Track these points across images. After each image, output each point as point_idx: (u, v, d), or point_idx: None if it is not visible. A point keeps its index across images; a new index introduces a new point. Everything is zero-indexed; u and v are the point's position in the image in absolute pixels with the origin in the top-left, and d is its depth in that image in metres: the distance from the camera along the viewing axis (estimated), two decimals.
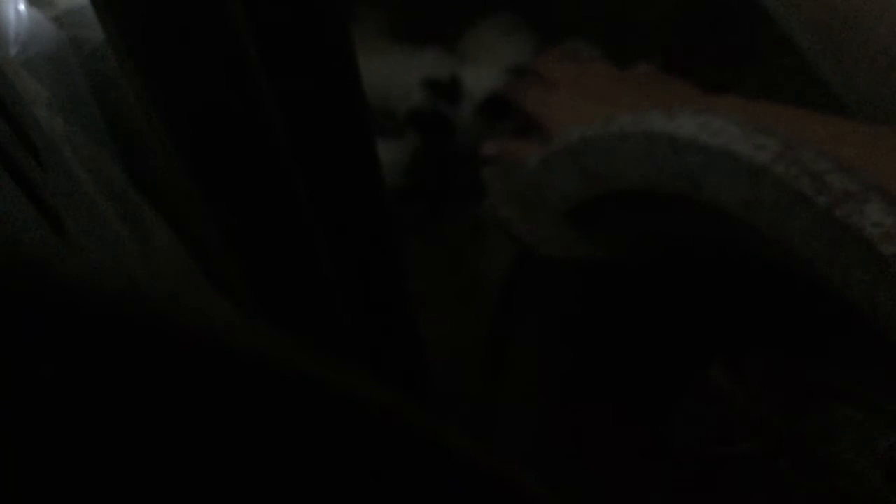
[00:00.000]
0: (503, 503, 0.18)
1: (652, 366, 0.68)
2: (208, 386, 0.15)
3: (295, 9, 0.39)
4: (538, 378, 0.75)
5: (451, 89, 1.01)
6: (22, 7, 0.45)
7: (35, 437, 0.13)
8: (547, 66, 0.86)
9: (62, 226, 0.31)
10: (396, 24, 1.10)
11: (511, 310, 0.75)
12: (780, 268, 0.54)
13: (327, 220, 0.45)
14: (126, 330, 0.14)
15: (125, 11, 0.34)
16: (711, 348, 0.67)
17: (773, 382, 0.65)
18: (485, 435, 0.74)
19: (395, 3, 1.11)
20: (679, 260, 0.65)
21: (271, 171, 0.41)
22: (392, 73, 1.04)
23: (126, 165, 0.43)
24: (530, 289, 0.74)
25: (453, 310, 0.89)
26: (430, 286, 0.90)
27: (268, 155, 0.40)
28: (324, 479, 0.15)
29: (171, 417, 0.14)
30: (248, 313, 0.44)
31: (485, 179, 0.72)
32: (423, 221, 1.00)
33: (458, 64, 1.05)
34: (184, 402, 0.14)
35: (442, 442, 0.17)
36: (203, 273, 0.44)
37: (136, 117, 0.44)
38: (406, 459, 0.16)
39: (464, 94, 1.01)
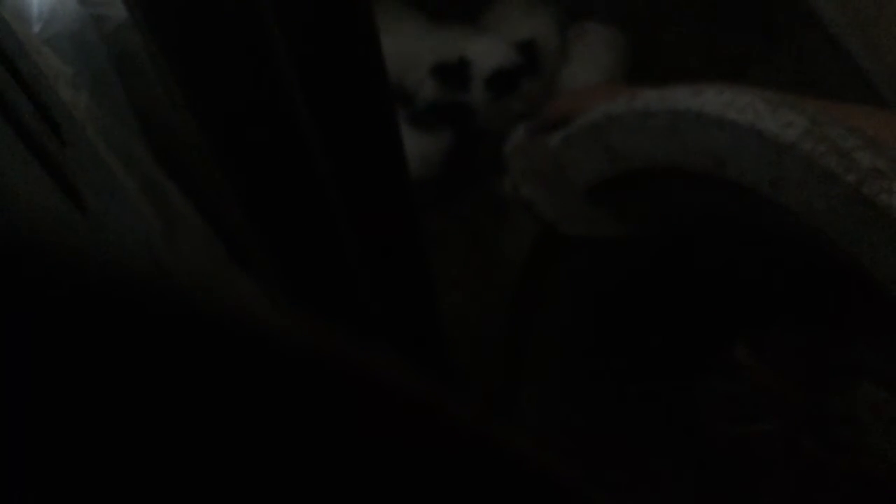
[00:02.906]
0: (531, 486, 0.18)
1: (675, 343, 0.67)
2: (232, 370, 0.14)
3: None
4: (559, 355, 0.75)
5: (461, 72, 1.01)
6: None
7: (57, 414, 0.13)
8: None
9: (83, 202, 0.31)
10: None
11: (532, 287, 0.75)
12: (805, 245, 0.53)
13: (350, 199, 0.45)
14: (146, 313, 0.14)
15: None
16: (735, 326, 0.67)
17: (797, 360, 0.64)
18: (506, 411, 0.74)
19: None
20: (702, 237, 0.65)
21: (294, 147, 0.40)
22: (408, 51, 1.04)
23: (149, 141, 0.43)
24: (552, 266, 0.73)
25: (473, 287, 0.89)
26: (450, 263, 0.90)
27: (290, 131, 0.40)
28: (343, 467, 0.15)
29: (194, 400, 0.14)
30: (270, 291, 0.45)
31: (507, 158, 0.72)
32: (443, 199, 1.00)
33: (472, 41, 1.04)
34: (207, 385, 0.14)
35: (475, 432, 0.17)
36: (226, 249, 0.44)
37: (158, 94, 0.44)
38: (431, 444, 0.16)
39: (473, 74, 1.00)
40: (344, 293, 0.47)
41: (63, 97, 0.37)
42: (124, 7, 0.40)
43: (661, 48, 1.01)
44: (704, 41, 0.93)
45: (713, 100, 0.53)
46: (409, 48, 1.04)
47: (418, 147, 0.98)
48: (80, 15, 0.43)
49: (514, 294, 0.76)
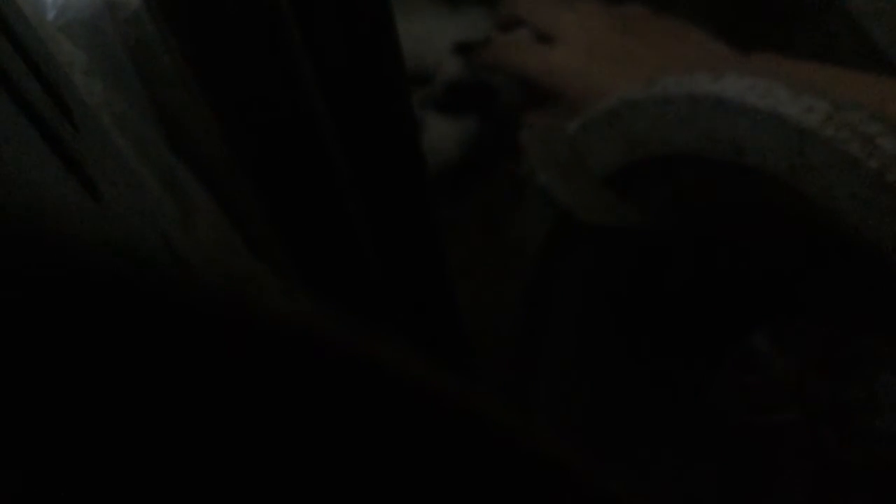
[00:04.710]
0: (547, 480, 0.17)
1: (694, 333, 0.67)
2: (251, 362, 0.14)
3: None
4: (575, 345, 0.75)
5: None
6: None
7: (70, 411, 0.13)
8: (537, 14, 0.81)
9: (98, 190, 0.31)
10: None
11: (547, 275, 0.75)
12: (826, 232, 0.53)
13: (364, 188, 0.45)
14: (163, 304, 0.14)
15: None
16: (754, 315, 0.66)
17: (817, 350, 0.64)
18: (522, 403, 0.74)
19: None
20: (721, 225, 0.64)
21: (309, 137, 0.40)
22: (427, 33, 1.03)
23: (164, 129, 0.43)
24: (568, 255, 0.73)
25: (488, 276, 0.88)
26: (465, 250, 0.90)
27: (306, 122, 0.40)
28: (366, 459, 0.15)
29: (215, 392, 0.14)
30: (286, 279, 0.44)
31: (523, 143, 0.72)
32: (458, 185, 0.99)
33: (494, 24, 1.03)
34: (226, 379, 0.14)
35: (485, 418, 0.17)
36: (243, 239, 0.44)
37: (173, 82, 0.44)
38: (443, 433, 0.16)
39: None
40: (358, 280, 0.47)
41: (77, 84, 0.37)
42: None
43: None
44: (726, 26, 0.92)
45: (733, 84, 0.53)
46: (427, 30, 1.03)
47: (441, 131, 0.97)
48: (94, 1, 0.43)
49: (529, 283, 0.76)
